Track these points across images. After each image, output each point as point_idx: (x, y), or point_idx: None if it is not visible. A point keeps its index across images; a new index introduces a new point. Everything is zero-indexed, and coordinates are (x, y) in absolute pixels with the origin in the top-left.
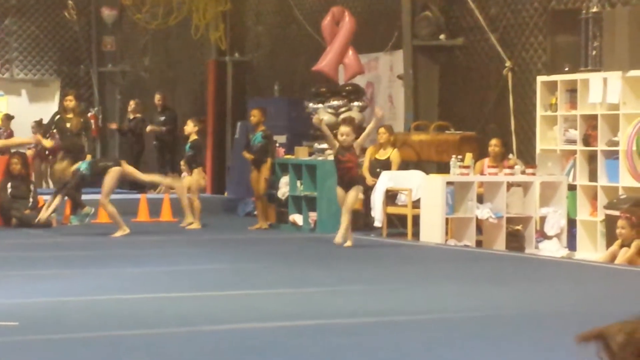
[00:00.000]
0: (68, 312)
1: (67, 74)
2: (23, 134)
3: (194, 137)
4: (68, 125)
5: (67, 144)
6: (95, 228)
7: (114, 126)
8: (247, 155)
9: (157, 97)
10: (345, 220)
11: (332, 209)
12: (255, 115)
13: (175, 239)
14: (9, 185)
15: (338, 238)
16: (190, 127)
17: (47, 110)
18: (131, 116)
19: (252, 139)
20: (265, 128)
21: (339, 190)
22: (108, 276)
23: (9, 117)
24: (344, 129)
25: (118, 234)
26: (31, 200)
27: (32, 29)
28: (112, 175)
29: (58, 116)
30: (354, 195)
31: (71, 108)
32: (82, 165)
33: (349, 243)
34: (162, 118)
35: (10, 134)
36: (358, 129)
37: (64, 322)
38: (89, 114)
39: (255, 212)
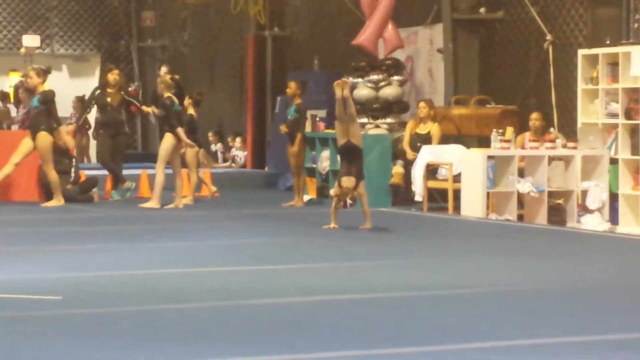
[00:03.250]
0: (110, 286)
1: (107, 49)
2: (64, 109)
3: (190, 110)
4: (109, 99)
5: (107, 119)
6: (137, 202)
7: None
8: (282, 128)
9: (164, 71)
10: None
11: (372, 183)
12: (290, 87)
13: (215, 213)
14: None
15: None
16: (186, 101)
17: (88, 85)
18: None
19: (287, 112)
20: (300, 102)
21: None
22: (149, 250)
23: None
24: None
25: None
26: (73, 175)
27: (72, 4)
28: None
29: (98, 91)
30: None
31: (116, 83)
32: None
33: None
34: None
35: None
36: (395, 103)
37: (106, 296)
38: (130, 89)
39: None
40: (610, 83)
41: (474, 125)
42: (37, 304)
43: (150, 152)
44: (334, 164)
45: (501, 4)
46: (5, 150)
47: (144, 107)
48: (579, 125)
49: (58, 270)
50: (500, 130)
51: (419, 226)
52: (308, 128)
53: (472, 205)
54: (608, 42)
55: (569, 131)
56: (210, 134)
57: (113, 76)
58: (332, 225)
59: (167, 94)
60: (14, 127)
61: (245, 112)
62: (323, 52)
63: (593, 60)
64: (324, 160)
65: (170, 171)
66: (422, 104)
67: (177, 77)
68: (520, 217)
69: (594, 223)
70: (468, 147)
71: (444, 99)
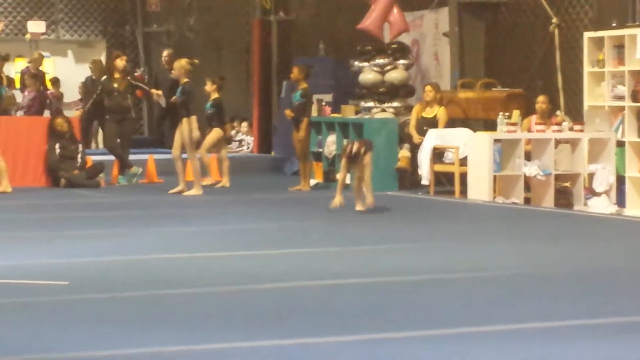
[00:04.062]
0: (116, 271)
1: (113, 34)
2: (70, 95)
3: (215, 95)
4: (115, 85)
5: (113, 105)
6: (143, 188)
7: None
8: (288, 113)
9: (166, 54)
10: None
11: (379, 167)
12: (293, 72)
13: (221, 198)
14: (57, 145)
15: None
16: (209, 87)
17: None
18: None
19: (293, 96)
20: (306, 86)
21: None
22: (155, 235)
23: (57, 81)
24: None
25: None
26: (79, 160)
27: None
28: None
29: (105, 77)
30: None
31: (123, 68)
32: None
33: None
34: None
35: (60, 97)
36: (401, 87)
37: (112, 281)
38: (136, 74)
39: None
40: (616, 66)
41: (480, 109)
42: (44, 290)
43: (157, 138)
44: (340, 148)
45: None
46: (11, 136)
47: (153, 91)
48: (586, 108)
49: (65, 256)
50: (507, 114)
51: (426, 210)
52: (314, 112)
53: (479, 189)
54: (614, 24)
55: (576, 114)
56: None
57: (122, 62)
58: (338, 199)
59: (185, 79)
60: (20, 113)
61: (251, 97)
62: (328, 36)
63: (599, 42)
64: (330, 144)
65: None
66: (428, 88)
67: (196, 61)
68: (527, 201)
69: (601, 206)
70: (474, 130)
71: (450, 82)
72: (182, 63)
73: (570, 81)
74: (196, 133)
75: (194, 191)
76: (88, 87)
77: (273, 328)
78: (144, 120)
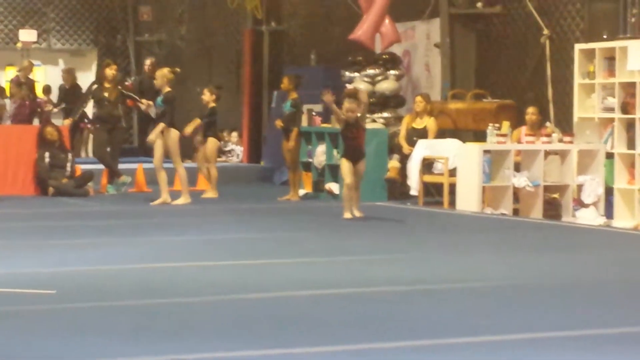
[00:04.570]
0: (104, 280)
1: (104, 43)
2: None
3: (212, 105)
4: (106, 94)
5: (104, 114)
6: (132, 197)
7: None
8: (278, 123)
9: (148, 63)
10: (359, 193)
11: (369, 177)
12: (284, 82)
13: (210, 208)
14: (46, 154)
15: (357, 212)
16: (207, 96)
17: (85, 80)
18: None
19: (283, 106)
20: (296, 96)
21: (345, 162)
22: (144, 245)
23: (48, 89)
24: (348, 105)
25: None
26: (68, 169)
27: None
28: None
29: (96, 86)
30: (364, 168)
31: (114, 78)
32: None
33: (358, 213)
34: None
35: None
36: (391, 98)
37: (100, 291)
38: (127, 83)
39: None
40: (606, 77)
41: (471, 120)
42: (31, 298)
43: (148, 147)
44: (330, 159)
45: None
46: (1, 144)
47: (143, 101)
48: (575, 119)
49: (53, 265)
50: (497, 125)
51: (414, 220)
52: (304, 122)
53: (468, 200)
54: (605, 36)
55: (565, 125)
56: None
57: (112, 71)
58: (347, 214)
59: (167, 88)
60: (8, 122)
61: (241, 107)
62: (320, 46)
63: (590, 54)
64: (320, 154)
65: (170, 165)
66: (419, 99)
67: (177, 70)
68: (516, 212)
69: (590, 217)
70: (464, 141)
71: (441, 93)
72: (164, 72)
73: (561, 93)
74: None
75: (183, 200)
76: (61, 95)
77: (261, 338)
78: (133, 130)
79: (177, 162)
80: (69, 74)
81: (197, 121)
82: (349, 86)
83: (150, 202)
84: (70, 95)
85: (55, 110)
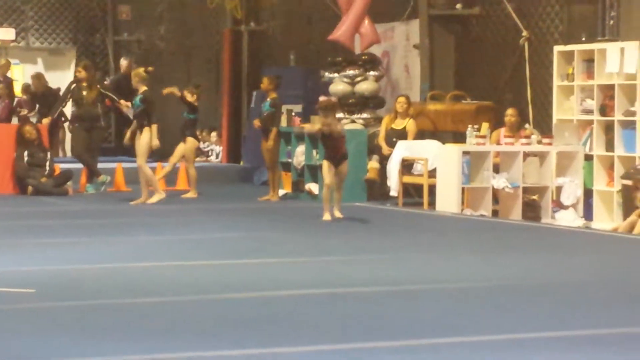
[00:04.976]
0: (84, 279)
1: (83, 42)
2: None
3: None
4: (84, 93)
5: (83, 113)
6: (111, 196)
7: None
8: (256, 123)
9: (124, 64)
10: (340, 194)
11: (348, 178)
12: (264, 82)
13: (190, 207)
14: (25, 153)
15: (337, 213)
16: (189, 97)
17: (63, 79)
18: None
19: (262, 106)
20: (275, 96)
21: (326, 163)
22: (124, 244)
23: (27, 87)
24: (325, 120)
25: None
26: (47, 168)
27: None
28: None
29: (74, 85)
30: (346, 169)
31: (81, 79)
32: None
33: (339, 214)
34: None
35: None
36: (370, 98)
37: (79, 290)
38: (106, 82)
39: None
40: (585, 80)
41: (450, 121)
42: (10, 297)
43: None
44: (309, 159)
45: (477, 0)
46: None
47: (122, 102)
48: (554, 121)
49: (31, 264)
50: (476, 126)
51: (394, 221)
52: (283, 122)
53: (447, 201)
54: (583, 38)
55: (544, 127)
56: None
57: (80, 74)
58: (326, 216)
59: (143, 88)
60: None
61: (220, 107)
62: (299, 47)
63: (568, 56)
64: (299, 155)
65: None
66: (402, 99)
67: (151, 69)
68: (495, 213)
69: (569, 219)
70: (443, 142)
71: (420, 94)
72: (139, 72)
73: (540, 94)
74: (155, 142)
75: (156, 197)
76: (33, 100)
77: (242, 337)
78: (112, 129)
79: (143, 163)
80: (39, 80)
81: (175, 89)
82: (321, 98)
83: (130, 202)
84: (41, 100)
85: (32, 114)
